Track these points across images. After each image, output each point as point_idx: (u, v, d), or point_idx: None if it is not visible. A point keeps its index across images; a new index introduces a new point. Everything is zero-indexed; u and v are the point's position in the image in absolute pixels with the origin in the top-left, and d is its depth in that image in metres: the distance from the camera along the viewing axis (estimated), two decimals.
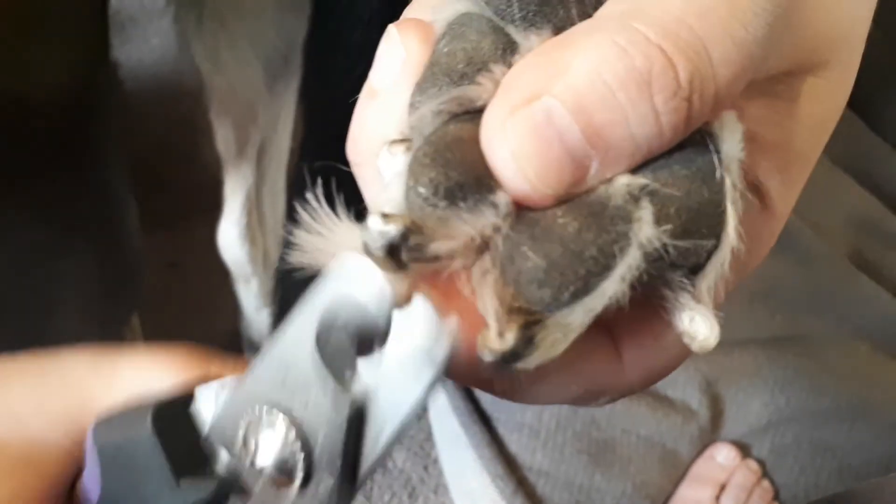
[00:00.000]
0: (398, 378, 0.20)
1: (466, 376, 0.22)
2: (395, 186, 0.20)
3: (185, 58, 0.64)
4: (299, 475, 0.22)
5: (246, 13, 0.56)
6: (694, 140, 0.20)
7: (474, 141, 0.20)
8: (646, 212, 0.19)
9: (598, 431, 0.82)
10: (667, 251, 0.20)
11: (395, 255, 0.19)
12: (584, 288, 0.19)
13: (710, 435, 0.84)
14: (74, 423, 0.25)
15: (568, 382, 0.22)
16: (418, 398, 0.20)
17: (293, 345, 0.21)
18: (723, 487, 0.81)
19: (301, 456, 0.21)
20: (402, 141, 0.21)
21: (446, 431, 0.85)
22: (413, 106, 0.21)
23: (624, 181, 0.20)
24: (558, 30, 0.21)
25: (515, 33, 0.21)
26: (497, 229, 0.19)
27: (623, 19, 0.19)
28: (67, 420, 0.25)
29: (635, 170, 0.20)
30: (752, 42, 0.19)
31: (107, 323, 0.67)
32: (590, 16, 0.21)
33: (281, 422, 0.22)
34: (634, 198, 0.19)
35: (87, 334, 0.62)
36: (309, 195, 0.21)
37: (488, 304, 0.19)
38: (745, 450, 0.83)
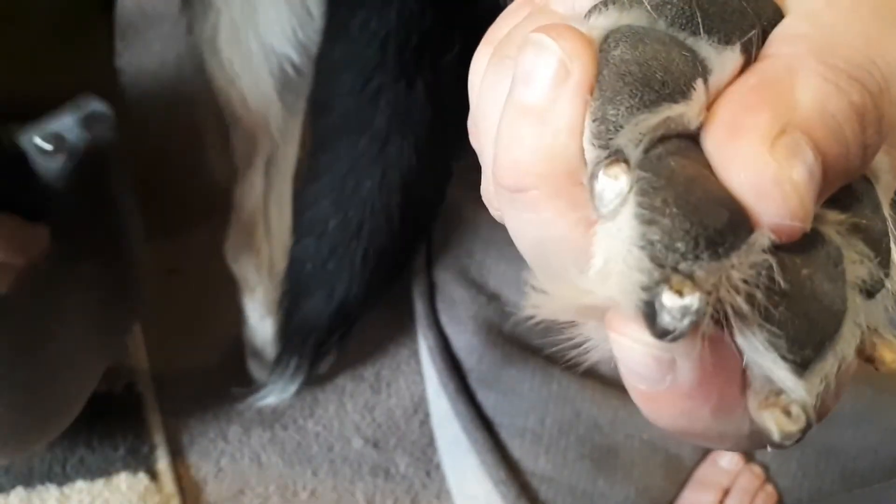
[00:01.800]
0: None
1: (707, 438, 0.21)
2: (625, 221, 0.19)
3: (185, 64, 0.64)
4: None
5: (261, 25, 0.56)
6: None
7: (705, 177, 0.19)
8: (856, 253, 0.20)
9: (600, 436, 0.82)
10: (877, 286, 0.20)
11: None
12: (834, 337, 0.19)
13: None
14: None
15: None
16: None
17: None
18: (726, 492, 0.81)
19: None
20: (617, 161, 0.19)
21: (448, 437, 0.84)
22: (606, 119, 0.19)
23: (833, 219, 0.20)
24: (745, 46, 0.20)
25: (699, 46, 0.20)
26: (745, 278, 0.18)
27: (821, 56, 0.20)
28: None
29: (829, 204, 0.20)
30: None
31: (109, 328, 0.66)
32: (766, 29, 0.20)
33: None
34: (844, 237, 0.20)
35: (89, 340, 0.62)
36: None
37: (768, 366, 0.19)
38: (748, 454, 0.83)
